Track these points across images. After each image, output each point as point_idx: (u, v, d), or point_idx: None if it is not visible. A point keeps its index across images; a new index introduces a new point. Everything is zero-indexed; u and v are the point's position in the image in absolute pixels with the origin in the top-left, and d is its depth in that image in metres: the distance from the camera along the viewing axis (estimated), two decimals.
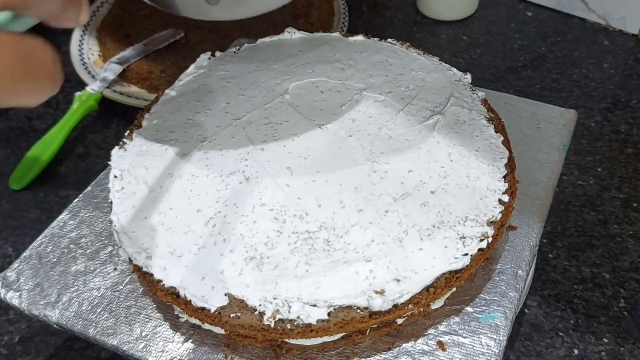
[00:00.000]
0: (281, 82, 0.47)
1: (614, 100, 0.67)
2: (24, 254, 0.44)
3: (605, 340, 0.47)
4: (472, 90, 0.46)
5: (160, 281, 0.36)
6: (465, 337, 0.36)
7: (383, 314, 0.34)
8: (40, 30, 0.79)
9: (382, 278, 0.35)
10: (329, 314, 0.34)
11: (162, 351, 0.37)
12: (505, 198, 0.39)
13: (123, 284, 0.41)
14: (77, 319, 0.40)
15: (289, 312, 0.34)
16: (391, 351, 0.36)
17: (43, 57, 0.23)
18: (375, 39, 0.52)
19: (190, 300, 0.35)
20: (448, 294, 0.37)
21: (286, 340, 0.36)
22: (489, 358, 0.35)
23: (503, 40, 0.76)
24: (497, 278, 0.39)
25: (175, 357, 0.37)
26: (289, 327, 0.34)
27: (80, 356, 0.48)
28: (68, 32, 0.74)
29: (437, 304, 0.37)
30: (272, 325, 0.34)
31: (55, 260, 0.43)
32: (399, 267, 0.35)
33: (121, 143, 0.45)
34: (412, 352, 0.36)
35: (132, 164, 0.43)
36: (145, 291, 0.41)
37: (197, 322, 0.37)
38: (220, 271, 0.36)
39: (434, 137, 0.42)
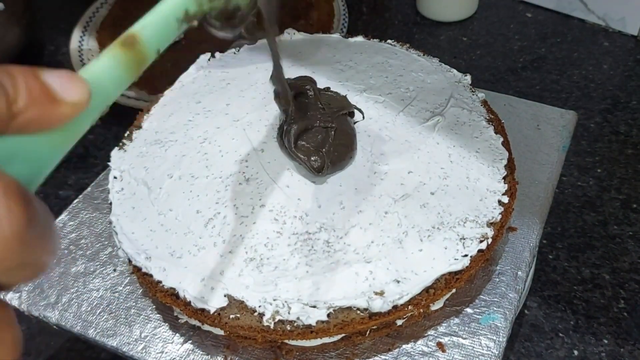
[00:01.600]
0: None
1: (614, 101, 0.67)
2: None
3: (605, 341, 0.46)
4: (472, 91, 0.46)
5: (160, 282, 0.36)
6: (465, 338, 0.36)
7: (383, 315, 0.34)
8: (36, 31, 0.78)
9: (381, 279, 0.35)
10: (328, 315, 0.34)
11: (162, 352, 0.37)
12: (505, 199, 0.39)
13: (122, 285, 0.41)
14: (77, 320, 0.40)
15: (289, 313, 0.34)
16: (391, 352, 0.36)
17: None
18: (375, 40, 0.52)
19: (189, 302, 0.35)
20: (448, 295, 0.37)
21: (286, 341, 0.36)
22: (489, 359, 0.35)
23: (503, 41, 0.76)
24: (497, 279, 0.39)
25: (174, 358, 0.37)
26: (288, 328, 0.34)
27: (80, 357, 0.48)
28: (68, 33, 0.74)
29: (437, 305, 0.37)
30: (272, 326, 0.34)
31: (55, 261, 0.43)
32: (398, 268, 0.35)
33: (121, 144, 0.45)
34: (412, 353, 0.36)
35: (132, 165, 0.43)
36: (144, 292, 0.41)
37: (196, 323, 0.37)
38: (220, 272, 0.36)
39: (433, 138, 0.42)
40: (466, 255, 0.36)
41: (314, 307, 0.34)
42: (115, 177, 0.42)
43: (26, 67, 0.20)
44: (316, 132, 0.39)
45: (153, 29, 0.24)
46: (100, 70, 0.22)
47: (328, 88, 0.44)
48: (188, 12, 0.25)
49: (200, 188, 0.40)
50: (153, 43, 0.24)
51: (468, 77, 0.47)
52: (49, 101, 0.20)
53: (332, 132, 0.39)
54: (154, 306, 0.40)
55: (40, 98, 0.19)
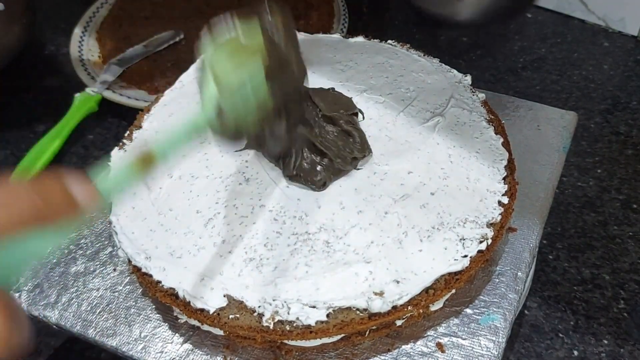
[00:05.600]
0: None
1: (614, 102, 0.66)
2: None
3: (605, 341, 0.46)
4: (472, 91, 0.46)
5: (160, 282, 0.36)
6: (464, 339, 0.36)
7: (382, 315, 0.34)
8: (36, 31, 0.78)
9: (381, 279, 0.35)
10: (328, 316, 0.34)
11: (161, 352, 0.37)
12: (505, 200, 0.39)
13: (122, 285, 0.41)
14: (77, 320, 0.40)
15: (288, 313, 0.34)
16: (390, 353, 0.36)
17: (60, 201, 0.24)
18: (375, 40, 0.52)
19: (189, 302, 0.35)
20: (447, 296, 0.37)
21: (285, 341, 0.36)
22: None
23: (503, 41, 0.76)
24: (497, 280, 0.39)
25: (174, 358, 0.37)
26: (288, 328, 0.34)
27: (80, 357, 0.48)
28: (68, 33, 0.74)
29: (437, 306, 0.37)
30: (271, 326, 0.34)
31: (55, 261, 0.43)
32: (398, 268, 0.35)
33: (121, 144, 0.45)
34: (411, 353, 0.36)
35: None
36: (144, 292, 0.41)
37: (196, 323, 0.37)
38: (219, 272, 0.36)
39: (434, 138, 0.42)
40: (466, 256, 0.36)
41: (314, 307, 0.34)
42: None
43: (54, 177, 0.24)
44: (316, 143, 0.39)
45: (167, 144, 0.30)
46: (114, 177, 0.29)
47: (333, 88, 0.44)
48: (198, 130, 0.31)
49: (200, 188, 0.40)
50: (163, 154, 0.29)
51: (468, 78, 0.47)
52: (69, 207, 0.24)
53: (334, 140, 0.39)
54: (153, 306, 0.40)
55: (64, 207, 0.24)
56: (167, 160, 0.29)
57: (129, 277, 0.42)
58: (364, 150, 0.40)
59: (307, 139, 0.39)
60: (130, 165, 0.28)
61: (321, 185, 0.39)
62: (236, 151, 0.42)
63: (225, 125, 0.31)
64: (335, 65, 0.48)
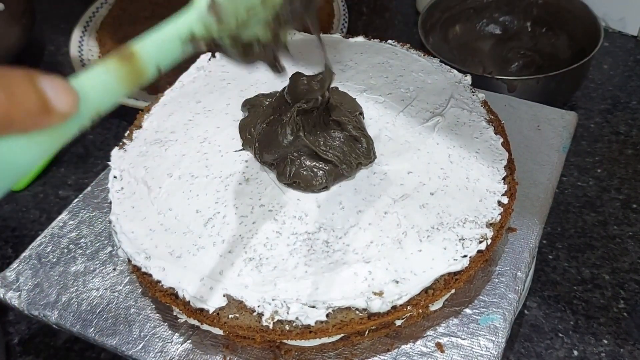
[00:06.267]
0: (282, 83, 0.47)
1: (614, 102, 0.67)
2: (24, 254, 0.44)
3: (605, 341, 0.46)
4: (472, 91, 0.46)
5: (159, 282, 0.36)
6: (464, 339, 0.36)
7: (382, 315, 0.34)
8: (36, 31, 0.78)
9: (381, 279, 0.35)
10: (327, 315, 0.34)
11: (161, 351, 0.37)
12: (505, 200, 0.39)
13: (122, 285, 0.41)
14: (77, 319, 0.40)
15: (288, 313, 0.34)
16: (390, 352, 0.36)
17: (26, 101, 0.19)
18: (375, 40, 0.52)
19: (189, 301, 0.35)
20: (447, 296, 0.37)
21: (285, 341, 0.36)
22: None
23: None
24: (497, 280, 0.39)
25: (174, 358, 0.37)
26: (287, 328, 0.34)
27: (80, 357, 0.48)
28: (68, 33, 0.74)
29: (436, 306, 0.37)
30: (271, 326, 0.34)
31: (54, 260, 0.43)
32: (397, 268, 0.35)
33: (121, 143, 0.45)
34: (410, 353, 0.36)
35: (132, 164, 0.43)
36: (144, 292, 0.41)
37: (195, 322, 0.37)
38: (219, 272, 0.36)
39: (433, 138, 0.42)
40: (465, 256, 0.36)
41: (313, 307, 0.34)
42: (115, 177, 0.42)
43: (24, 72, 0.20)
44: (319, 152, 0.39)
45: (154, 45, 0.24)
46: (92, 80, 0.22)
47: (336, 87, 0.44)
48: (194, 34, 0.25)
49: (200, 188, 0.40)
50: (152, 59, 0.24)
51: (468, 78, 0.47)
52: (42, 111, 0.20)
53: (340, 145, 0.39)
54: (153, 306, 0.40)
55: (34, 108, 0.20)
56: (154, 67, 0.24)
57: (128, 277, 0.42)
58: (370, 156, 0.40)
59: (309, 148, 0.39)
60: (112, 70, 0.23)
61: (321, 189, 0.39)
62: (235, 151, 0.42)
63: (224, 26, 0.26)
64: (335, 65, 0.48)
